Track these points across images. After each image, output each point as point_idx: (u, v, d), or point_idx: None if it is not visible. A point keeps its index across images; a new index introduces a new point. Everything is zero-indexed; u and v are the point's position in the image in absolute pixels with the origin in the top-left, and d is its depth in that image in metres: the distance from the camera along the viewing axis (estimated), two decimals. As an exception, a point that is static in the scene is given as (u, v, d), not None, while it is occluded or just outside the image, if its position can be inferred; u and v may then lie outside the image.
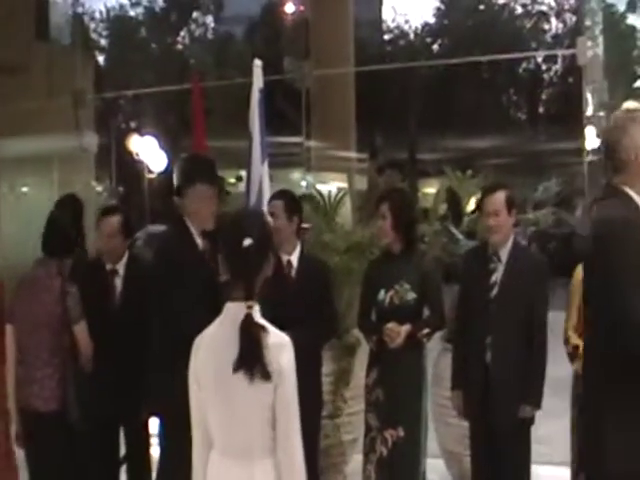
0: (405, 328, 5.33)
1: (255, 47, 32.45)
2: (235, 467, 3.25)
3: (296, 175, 15.39)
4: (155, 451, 6.16)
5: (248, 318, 3.20)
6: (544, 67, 39.65)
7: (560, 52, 36.24)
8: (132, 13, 40.33)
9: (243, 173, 6.87)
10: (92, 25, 39.20)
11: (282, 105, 16.38)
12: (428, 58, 36.05)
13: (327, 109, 15.92)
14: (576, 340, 5.24)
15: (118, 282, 5.77)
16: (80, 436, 5.32)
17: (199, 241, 4.98)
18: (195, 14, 40.54)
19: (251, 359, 3.16)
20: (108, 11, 40.08)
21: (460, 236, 7.35)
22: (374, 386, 5.52)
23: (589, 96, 12.24)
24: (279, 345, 3.23)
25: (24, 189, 11.79)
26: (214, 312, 3.37)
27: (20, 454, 5.49)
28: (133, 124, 37.00)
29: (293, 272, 5.42)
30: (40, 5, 14.55)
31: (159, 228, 26.95)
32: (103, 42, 39.93)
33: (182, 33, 40.66)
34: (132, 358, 5.54)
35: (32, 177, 11.80)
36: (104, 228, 5.77)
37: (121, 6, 40.30)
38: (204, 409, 3.29)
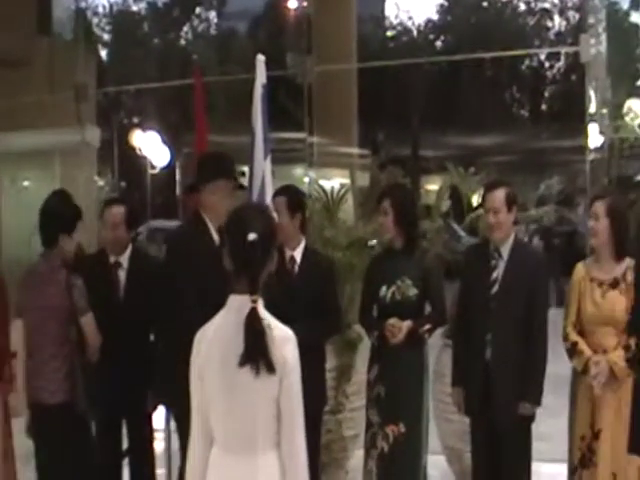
0: (406, 324, 5.33)
1: (258, 43, 32.43)
2: (238, 462, 3.25)
3: (299, 171, 15.38)
4: (159, 445, 6.19)
5: (253, 312, 3.21)
6: (547, 65, 39.60)
7: (563, 49, 36.18)
8: (135, 8, 40.25)
9: (245, 169, 6.84)
10: (95, 20, 39.16)
11: (285, 101, 16.35)
12: (431, 55, 36.05)
13: (330, 105, 15.90)
14: (575, 337, 5.24)
15: (122, 275, 5.77)
16: (86, 429, 5.34)
17: (216, 236, 4.98)
18: (198, 9, 40.47)
19: (256, 353, 3.17)
20: (111, 6, 40.03)
21: (462, 233, 7.37)
22: (375, 382, 5.52)
23: (592, 94, 12.24)
24: (284, 339, 3.26)
25: (26, 183, 11.80)
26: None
27: (25, 448, 5.50)
28: (135, 119, 36.98)
29: (296, 267, 5.42)
30: (43, -1, 14.56)
31: (161, 223, 27.03)
32: (106, 37, 39.90)
33: (185, 28, 40.60)
34: (135, 351, 5.56)
35: (34, 171, 11.81)
36: (108, 218, 5.78)
37: (124, 1, 40.26)
38: (206, 403, 3.29)
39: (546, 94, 40.31)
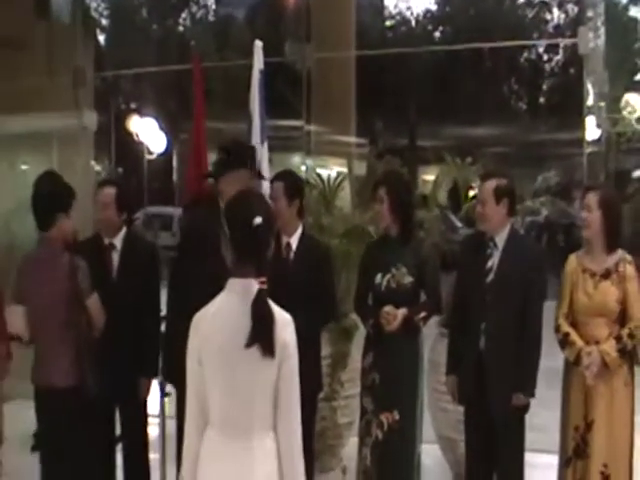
0: (402, 312, 5.34)
1: (256, 30, 32.33)
2: (234, 444, 3.29)
3: (296, 159, 15.38)
4: (153, 430, 6.20)
5: (262, 294, 3.27)
6: (545, 58, 39.57)
7: (562, 41, 36.15)
8: (133, -7, 40.16)
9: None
10: (93, 4, 39.02)
11: (282, 88, 16.31)
12: (429, 45, 35.98)
13: (327, 93, 15.85)
14: (567, 328, 5.26)
15: (115, 257, 5.78)
16: (94, 413, 5.33)
17: None
18: (196, -5, 40.39)
19: (264, 335, 3.22)
20: (109, -10, 39.92)
21: (459, 223, 7.37)
22: (370, 369, 5.53)
23: (589, 87, 12.26)
24: (284, 322, 3.32)
25: (23, 167, 11.77)
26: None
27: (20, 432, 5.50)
28: (133, 105, 36.91)
29: (292, 254, 5.43)
30: (41, -17, 14.48)
31: (158, 209, 27.02)
32: (104, 22, 39.76)
33: (183, 14, 40.50)
34: (128, 334, 5.56)
35: (31, 155, 11.78)
36: (98, 198, 5.80)
37: (122, -14, 40.15)
38: (203, 386, 3.31)
39: (544, 87, 40.30)
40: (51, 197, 5.24)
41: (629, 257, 5.25)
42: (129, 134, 28.93)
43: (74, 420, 5.05)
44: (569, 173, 29.72)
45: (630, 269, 5.19)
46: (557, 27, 37.83)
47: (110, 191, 5.77)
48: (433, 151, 25.79)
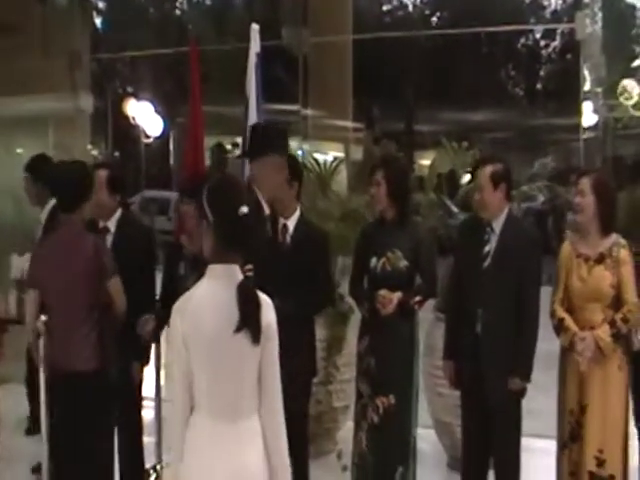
0: (397, 295, 5.34)
1: (253, 13, 32.23)
2: (223, 427, 3.34)
3: (293, 143, 15.39)
4: (148, 414, 6.21)
5: (248, 281, 3.34)
6: (542, 43, 39.51)
7: (559, 26, 36.10)
8: (130, -24, 39.97)
9: (239, 140, 6.84)
10: (90, -13, 38.85)
11: (279, 73, 16.31)
12: (427, 30, 35.89)
13: (324, 78, 15.85)
14: (562, 313, 5.27)
15: (109, 239, 5.76)
16: (115, 396, 5.31)
17: (267, 208, 4.95)
18: (194, -22, 40.22)
19: (252, 320, 3.28)
20: (106, -27, 39.72)
21: (455, 209, 7.36)
22: (365, 353, 5.54)
23: (586, 72, 12.24)
24: (267, 305, 3.40)
25: (19, 150, 11.74)
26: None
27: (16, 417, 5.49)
28: (130, 88, 36.81)
29: (288, 237, 5.42)
30: (37, -35, 14.43)
31: (154, 193, 26.97)
32: (101, 5, 39.60)
33: (180, -2, 40.37)
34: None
35: (27, 138, 11.75)
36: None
37: (119, -32, 39.93)
38: (189, 372, 3.34)
39: (541, 72, 40.25)
40: (78, 181, 5.23)
41: (623, 241, 5.24)
42: (126, 118, 28.84)
43: (94, 405, 5.01)
44: (566, 159, 29.71)
45: (624, 253, 5.19)
46: (554, 12, 37.76)
47: (102, 173, 5.75)
48: (430, 136, 25.79)
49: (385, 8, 40.97)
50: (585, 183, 5.25)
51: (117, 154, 33.11)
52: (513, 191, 5.77)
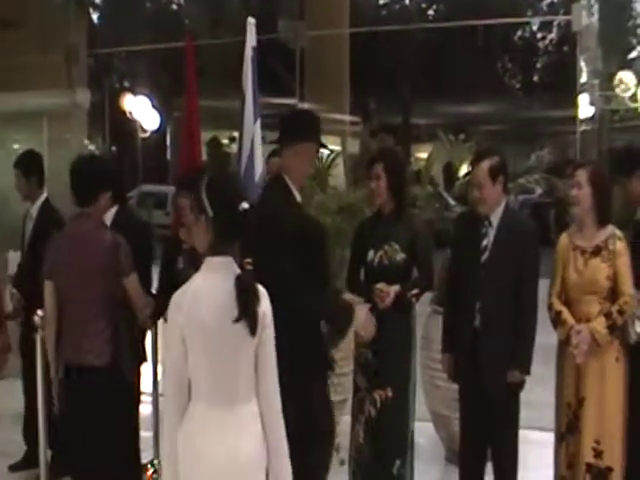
0: (394, 288, 5.35)
1: (250, 7, 32.19)
2: (223, 414, 3.43)
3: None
4: (145, 409, 6.21)
5: (248, 274, 3.43)
6: (539, 36, 39.51)
7: (555, 18, 36.09)
8: (127, -30, 39.87)
9: (236, 134, 6.85)
10: (86, -18, 38.73)
11: (276, 66, 16.30)
12: (423, 23, 35.87)
13: (321, 71, 15.83)
14: (559, 306, 5.27)
15: None
16: (130, 393, 5.31)
17: (299, 197, 4.88)
18: (190, -28, 40.14)
19: (251, 311, 3.38)
20: (103, -33, 39.61)
21: (452, 202, 7.37)
22: (363, 347, 5.54)
23: (583, 64, 12.23)
24: (262, 294, 3.51)
25: (15, 146, 11.72)
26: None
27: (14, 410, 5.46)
28: (126, 83, 36.78)
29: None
30: (34, -41, 14.38)
31: (152, 187, 26.96)
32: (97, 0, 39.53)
33: (176, -8, 40.30)
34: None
35: (24, 134, 11.73)
36: None
37: (115, -37, 39.83)
38: (184, 365, 3.42)
39: (538, 64, 40.25)
40: (96, 175, 5.23)
41: (619, 233, 5.25)
42: (122, 112, 28.83)
43: (106, 400, 4.97)
44: (563, 151, 29.72)
45: (620, 245, 5.19)
46: (551, 5, 37.74)
47: None
48: (427, 129, 25.77)
49: (382, 1, 40.95)
50: (581, 175, 5.25)
51: (114, 149, 33.09)
52: (510, 184, 5.77)
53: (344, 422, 6.05)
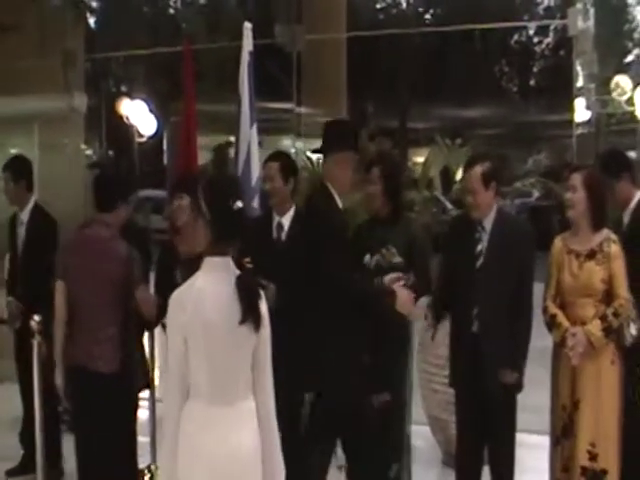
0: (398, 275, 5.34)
1: (247, 11, 32.21)
2: (223, 411, 3.51)
3: (286, 141, 15.39)
4: (142, 414, 6.21)
5: (249, 272, 3.54)
6: (536, 40, 39.52)
7: (552, 22, 36.11)
8: (124, -25, 39.84)
9: (233, 138, 6.86)
10: (83, -14, 38.66)
11: (274, 71, 16.31)
12: (421, 27, 35.86)
13: (318, 75, 15.88)
14: (554, 309, 5.28)
15: None
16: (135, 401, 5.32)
17: (340, 204, 5.06)
18: (187, -23, 40.12)
19: (254, 311, 3.48)
20: (100, -28, 39.58)
21: (450, 205, 7.38)
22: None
23: (579, 68, 12.26)
24: (260, 293, 3.60)
25: (13, 150, 11.72)
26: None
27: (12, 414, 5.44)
28: (123, 87, 36.74)
29: (283, 235, 5.42)
30: (31, -36, 14.38)
31: (149, 192, 26.92)
32: (95, 4, 39.49)
33: (174, -4, 40.27)
34: None
35: (21, 138, 11.73)
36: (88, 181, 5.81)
37: (113, -33, 39.80)
38: (186, 364, 3.47)
39: (535, 68, 40.27)
40: (117, 182, 5.33)
41: (614, 236, 5.26)
42: (119, 117, 28.80)
43: (112, 406, 4.99)
44: (560, 155, 29.73)
45: (615, 248, 5.20)
46: (548, 9, 37.76)
47: (95, 173, 5.77)
48: (424, 133, 25.75)
49: (379, 6, 40.95)
50: (576, 179, 5.27)
51: (111, 153, 33.06)
52: (507, 187, 5.78)
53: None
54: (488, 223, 5.30)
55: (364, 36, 24.83)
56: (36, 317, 5.42)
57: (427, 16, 39.68)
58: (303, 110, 13.75)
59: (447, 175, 7.80)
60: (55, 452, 6.44)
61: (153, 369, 6.22)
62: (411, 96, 33.33)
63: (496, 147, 25.15)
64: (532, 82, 40.03)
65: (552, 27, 36.45)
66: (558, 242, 5.39)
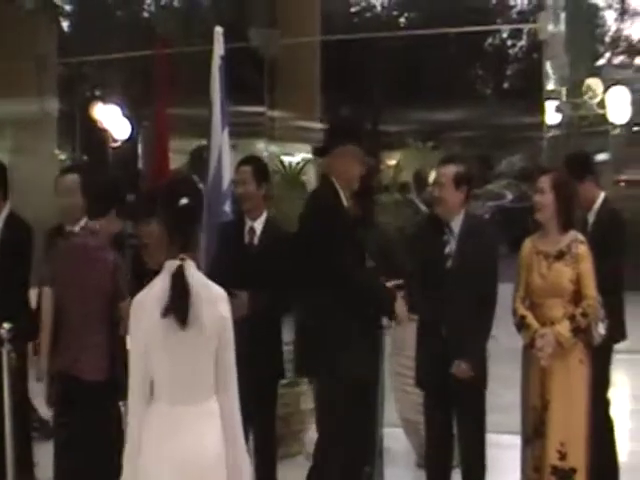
0: None
1: (221, 15, 32.17)
2: (185, 412, 3.54)
3: (260, 145, 15.42)
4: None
5: (180, 269, 3.51)
6: (509, 43, 39.72)
7: (525, 26, 36.30)
8: (97, -22, 39.67)
9: (205, 142, 6.86)
10: (57, -10, 38.48)
11: (246, 75, 16.30)
12: (395, 31, 35.94)
13: (292, 79, 15.86)
14: (523, 311, 5.32)
15: None
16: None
17: (345, 201, 5.05)
18: (161, -19, 40.01)
19: (180, 306, 3.47)
20: (73, -25, 39.41)
21: (423, 207, 7.42)
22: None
23: (550, 71, 12.33)
24: (219, 296, 3.62)
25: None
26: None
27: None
28: (97, 92, 36.57)
29: (256, 239, 5.43)
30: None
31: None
32: (68, 7, 39.29)
33: (148, 0, 40.14)
34: None
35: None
36: (62, 185, 5.78)
37: (86, -29, 39.63)
38: (147, 368, 3.53)
39: (508, 71, 40.46)
40: (109, 190, 5.31)
41: (581, 237, 5.32)
42: (93, 121, 28.68)
43: (99, 414, 4.99)
44: (533, 157, 29.85)
45: (583, 249, 5.26)
46: (521, 13, 37.96)
47: (71, 178, 5.76)
48: (397, 136, 25.81)
49: (353, 9, 40.99)
50: (544, 181, 5.33)
51: (85, 158, 32.90)
52: (478, 190, 5.82)
53: (314, 430, 6.06)
54: (456, 226, 5.34)
55: (338, 40, 24.86)
56: (5, 325, 5.39)
57: (402, 20, 39.78)
58: (276, 114, 13.77)
59: (420, 178, 7.85)
60: (28, 461, 6.39)
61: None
62: (385, 99, 33.40)
63: (470, 149, 25.24)
64: (506, 85, 40.22)
65: (525, 30, 36.66)
66: (527, 243, 5.44)
